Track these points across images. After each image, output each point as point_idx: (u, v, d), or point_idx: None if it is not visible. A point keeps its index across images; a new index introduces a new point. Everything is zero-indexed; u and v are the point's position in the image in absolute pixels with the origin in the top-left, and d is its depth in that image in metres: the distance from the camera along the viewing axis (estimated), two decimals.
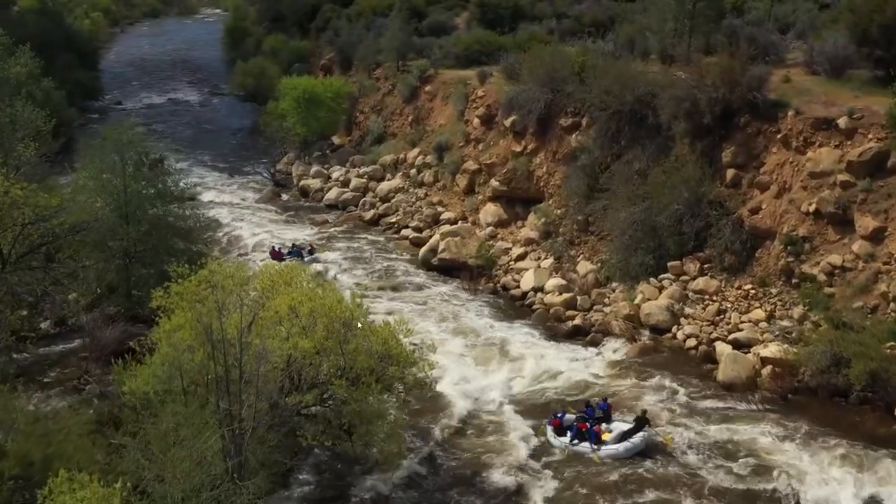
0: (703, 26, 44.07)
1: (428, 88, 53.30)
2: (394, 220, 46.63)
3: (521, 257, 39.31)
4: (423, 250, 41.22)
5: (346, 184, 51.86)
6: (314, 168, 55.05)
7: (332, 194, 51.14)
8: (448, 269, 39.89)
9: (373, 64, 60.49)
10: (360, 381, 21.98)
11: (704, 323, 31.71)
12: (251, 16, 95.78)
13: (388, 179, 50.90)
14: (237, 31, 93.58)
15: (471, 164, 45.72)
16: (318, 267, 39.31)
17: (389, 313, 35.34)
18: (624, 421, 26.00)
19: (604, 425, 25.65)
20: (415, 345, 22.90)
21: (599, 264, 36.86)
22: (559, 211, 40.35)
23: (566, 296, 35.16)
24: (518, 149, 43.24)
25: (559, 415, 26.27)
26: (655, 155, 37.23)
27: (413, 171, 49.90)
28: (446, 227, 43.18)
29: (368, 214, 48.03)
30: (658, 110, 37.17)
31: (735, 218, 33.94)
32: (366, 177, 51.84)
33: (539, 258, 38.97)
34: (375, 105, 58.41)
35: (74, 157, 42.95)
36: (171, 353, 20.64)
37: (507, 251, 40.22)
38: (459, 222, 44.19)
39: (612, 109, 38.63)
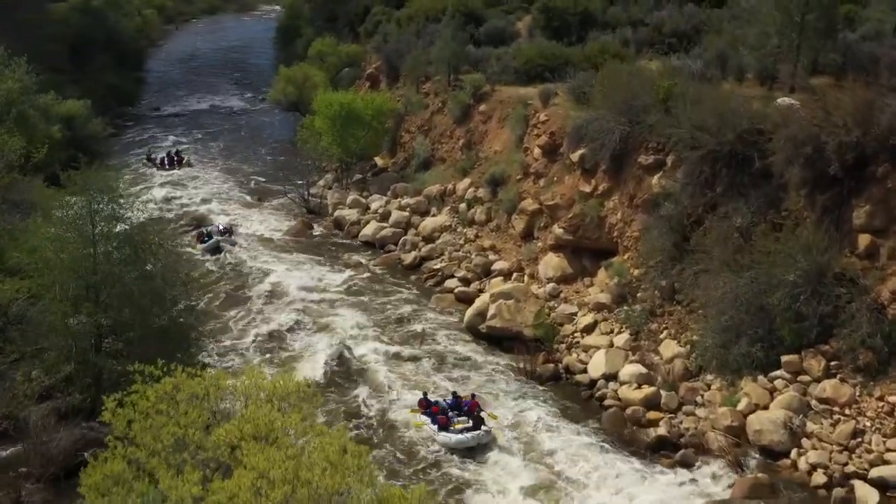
0: (813, 41, 36.08)
1: (482, 108, 45.96)
2: (438, 266, 39.56)
3: (590, 329, 31.91)
4: (469, 313, 34.08)
5: (385, 217, 45.00)
6: (351, 196, 48.31)
7: (368, 230, 44.34)
8: (499, 339, 32.82)
9: (422, 76, 53.27)
10: None
11: (835, 447, 23.92)
12: (305, 14, 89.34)
13: (434, 215, 43.88)
14: (290, 30, 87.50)
15: (530, 203, 38.40)
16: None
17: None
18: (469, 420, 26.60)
19: (460, 417, 26.95)
20: None
21: (689, 346, 29.26)
22: (637, 271, 32.79)
23: (647, 390, 27.77)
24: (587, 189, 35.76)
25: (427, 397, 28.00)
26: (763, 209, 29.46)
27: (462, 205, 42.78)
28: (498, 283, 35.97)
29: (409, 257, 41.12)
30: (767, 153, 29.52)
31: (872, 300, 26.00)
32: (408, 209, 44.91)
33: (612, 331, 31.53)
34: (423, 124, 51.21)
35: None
36: None
37: (571, 318, 32.89)
38: (514, 274, 36.97)
39: (706, 149, 30.92)
